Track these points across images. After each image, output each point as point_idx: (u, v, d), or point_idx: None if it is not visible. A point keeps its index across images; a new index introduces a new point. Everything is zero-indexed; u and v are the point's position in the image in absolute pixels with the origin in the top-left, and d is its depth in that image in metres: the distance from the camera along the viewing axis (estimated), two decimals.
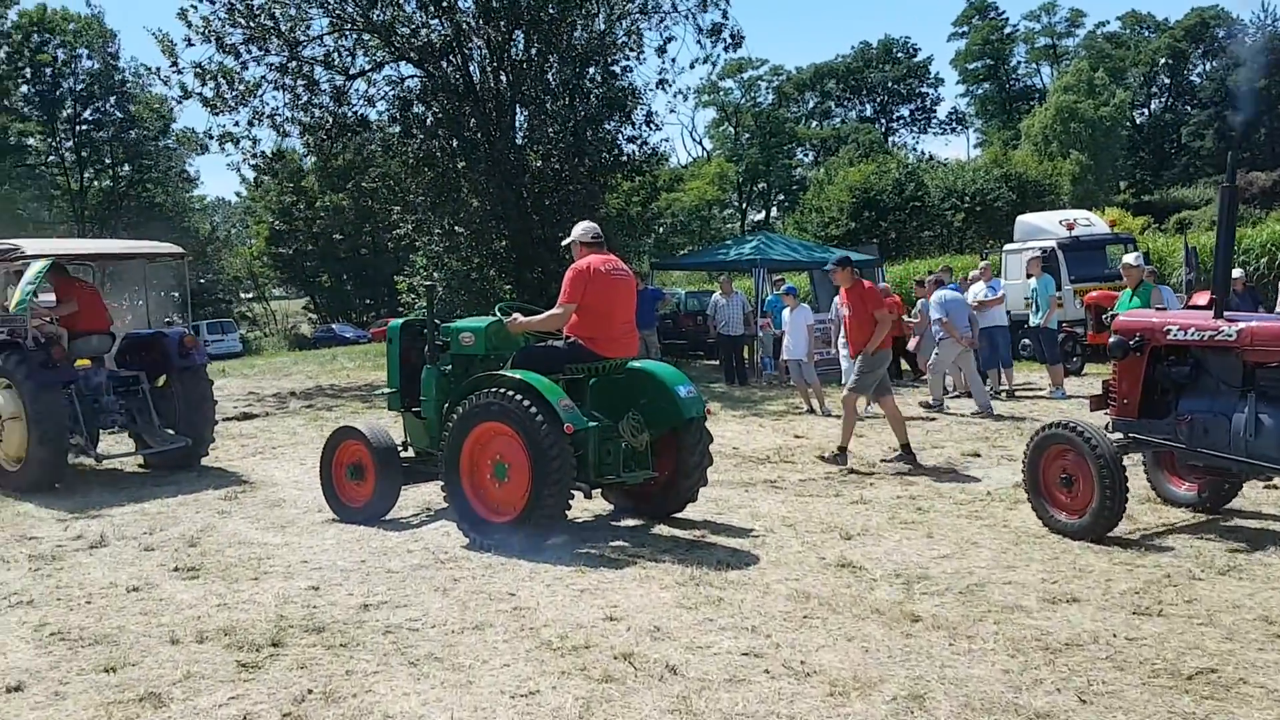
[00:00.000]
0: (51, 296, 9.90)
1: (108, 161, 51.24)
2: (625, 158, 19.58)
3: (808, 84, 76.90)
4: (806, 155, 75.53)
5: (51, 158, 50.47)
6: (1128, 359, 6.43)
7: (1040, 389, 14.24)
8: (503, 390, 6.06)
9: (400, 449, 7.37)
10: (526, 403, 5.91)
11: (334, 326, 51.81)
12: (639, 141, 20.03)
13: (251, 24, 17.55)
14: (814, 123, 77.76)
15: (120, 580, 5.86)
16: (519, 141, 19.24)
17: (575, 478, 6.04)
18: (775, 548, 6.29)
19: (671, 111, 66.04)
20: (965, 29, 77.37)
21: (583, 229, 6.81)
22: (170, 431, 9.97)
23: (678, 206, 55.29)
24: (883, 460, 9.21)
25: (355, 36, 18.83)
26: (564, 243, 7.06)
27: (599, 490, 6.79)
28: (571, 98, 19.06)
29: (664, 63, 20.34)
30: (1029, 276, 14.75)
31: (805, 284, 20.53)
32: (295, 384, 19.76)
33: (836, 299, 13.09)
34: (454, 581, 5.63)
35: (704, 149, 76.62)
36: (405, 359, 7.51)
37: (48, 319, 9.48)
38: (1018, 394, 13.82)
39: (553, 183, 19.16)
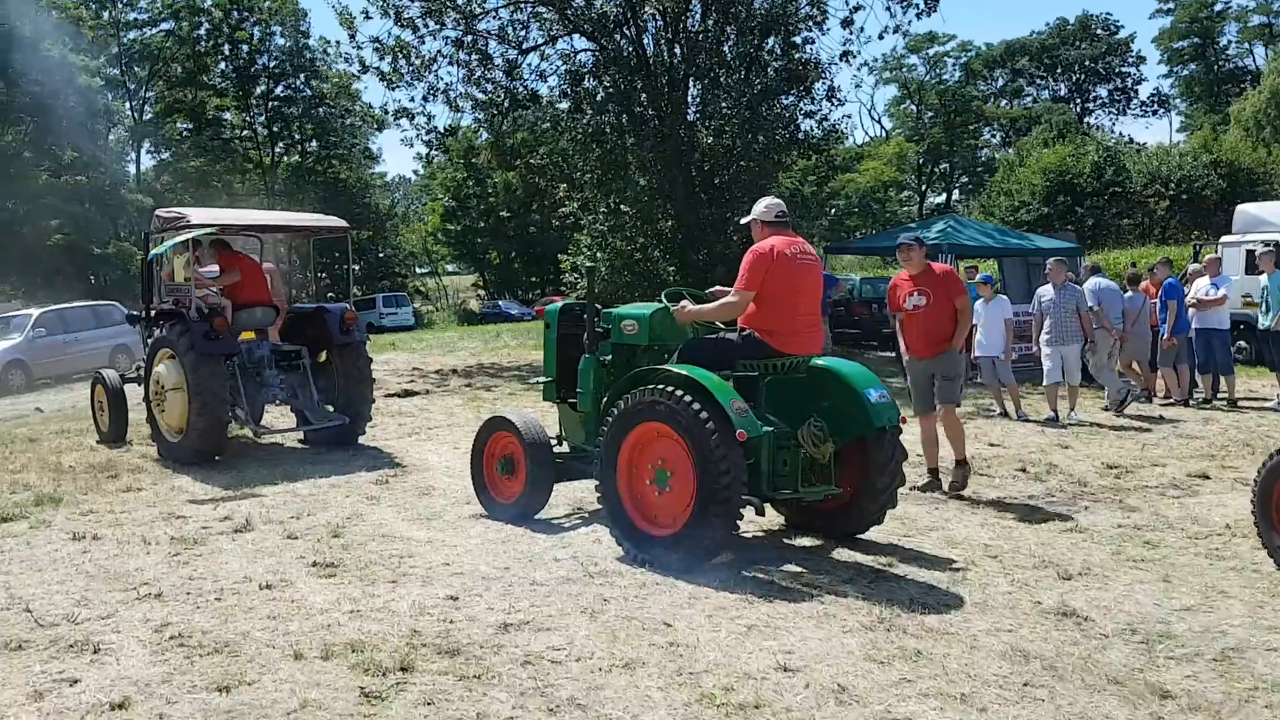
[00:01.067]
0: (214, 268, 9.90)
1: (296, 137, 53.66)
2: (802, 135, 18.48)
3: (998, 61, 72.71)
4: (993, 136, 71.63)
5: (245, 132, 53.28)
6: None
7: (1266, 399, 12.50)
8: (667, 387, 5.36)
9: (554, 443, 6.82)
10: (693, 403, 5.20)
11: (500, 303, 52.73)
12: (818, 117, 18.92)
13: None
14: (1003, 102, 73.56)
15: (255, 574, 5.49)
16: (690, 117, 18.47)
17: (746, 491, 5.25)
18: (979, 585, 5.33)
19: (857, 86, 63.42)
20: (1171, 5, 71.15)
21: (766, 205, 5.95)
22: (330, 408, 9.85)
23: (851, 188, 53.41)
24: (913, 488, 7.36)
25: (530, 9, 18.51)
26: (743, 221, 6.25)
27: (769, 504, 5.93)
28: (748, 70, 18.13)
29: (849, 33, 19.01)
30: (1259, 272, 12.93)
31: (994, 273, 18.94)
32: (458, 360, 19.75)
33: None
34: (603, 602, 4.96)
35: (883, 128, 73.88)
36: (563, 346, 6.93)
37: (212, 290, 9.48)
38: (1240, 404, 12.17)
39: (724, 160, 18.33)
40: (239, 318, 9.38)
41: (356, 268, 58.44)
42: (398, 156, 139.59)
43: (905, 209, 62.00)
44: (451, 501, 7.39)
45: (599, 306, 6.64)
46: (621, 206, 18.75)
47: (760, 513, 5.60)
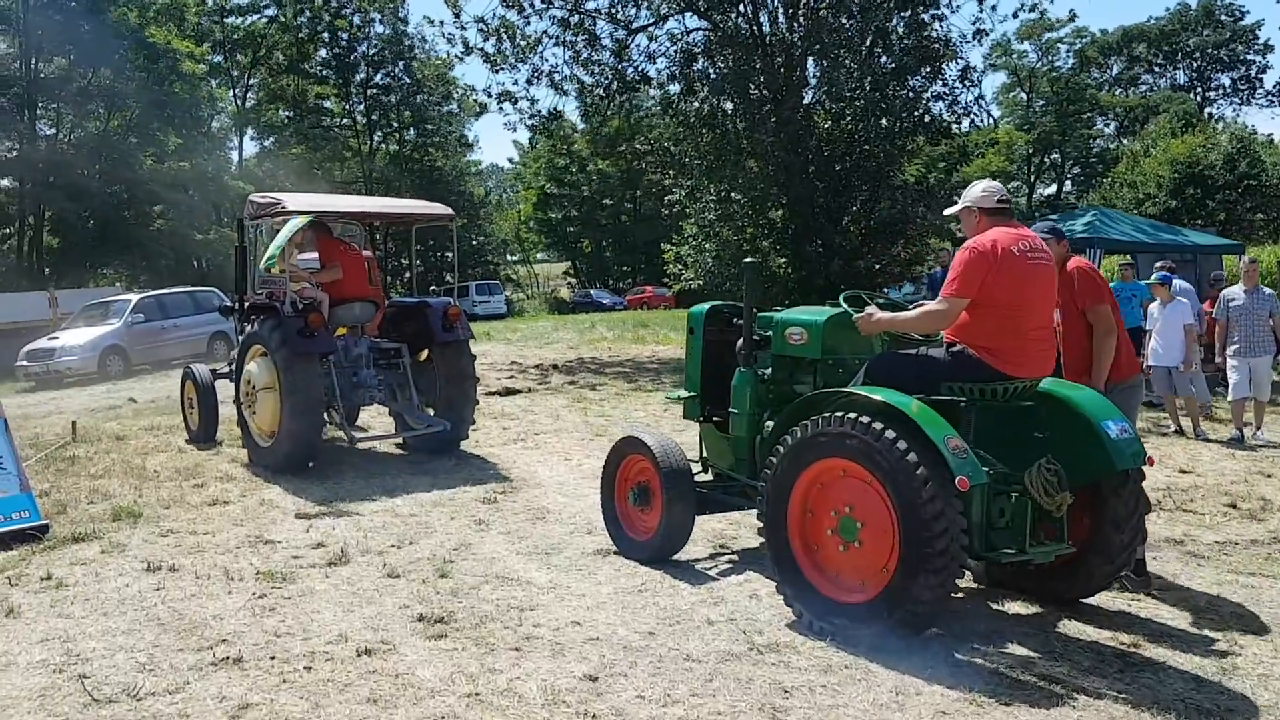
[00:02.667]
0: (314, 256, 9.10)
1: (394, 125, 53.70)
2: (930, 118, 17.02)
3: (1114, 47, 69.08)
4: (1106, 125, 68.08)
5: (344, 120, 53.50)
6: None
7: None
8: (859, 416, 4.24)
9: (694, 467, 5.76)
10: (897, 439, 4.09)
11: (592, 292, 52.08)
12: (948, 100, 17.45)
13: None
14: (1118, 90, 69.90)
15: (353, 630, 4.57)
16: (807, 99, 17.21)
17: (965, 551, 4.12)
18: (1256, 675, 4.12)
19: (991, 68, 60.30)
20: None
21: (984, 189, 4.68)
22: (430, 411, 9.01)
23: (957, 178, 51.09)
24: None
25: None
26: (948, 211, 5.03)
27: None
28: (871, 49, 16.79)
29: (981, 10, 17.49)
30: None
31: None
32: (556, 354, 18.91)
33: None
34: (783, 696, 3.89)
35: (991, 116, 70.83)
36: (709, 355, 5.88)
37: (309, 283, 8.72)
38: None
39: (844, 145, 17.04)
40: (336, 313, 8.66)
41: (451, 255, 58.69)
42: (492, 144, 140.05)
43: (1014, 200, 59.16)
44: (570, 529, 6.43)
45: (757, 310, 5.51)
46: (732, 194, 17.59)
47: (960, 575, 4.40)
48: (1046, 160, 66.44)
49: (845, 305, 5.17)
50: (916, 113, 16.59)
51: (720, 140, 17.09)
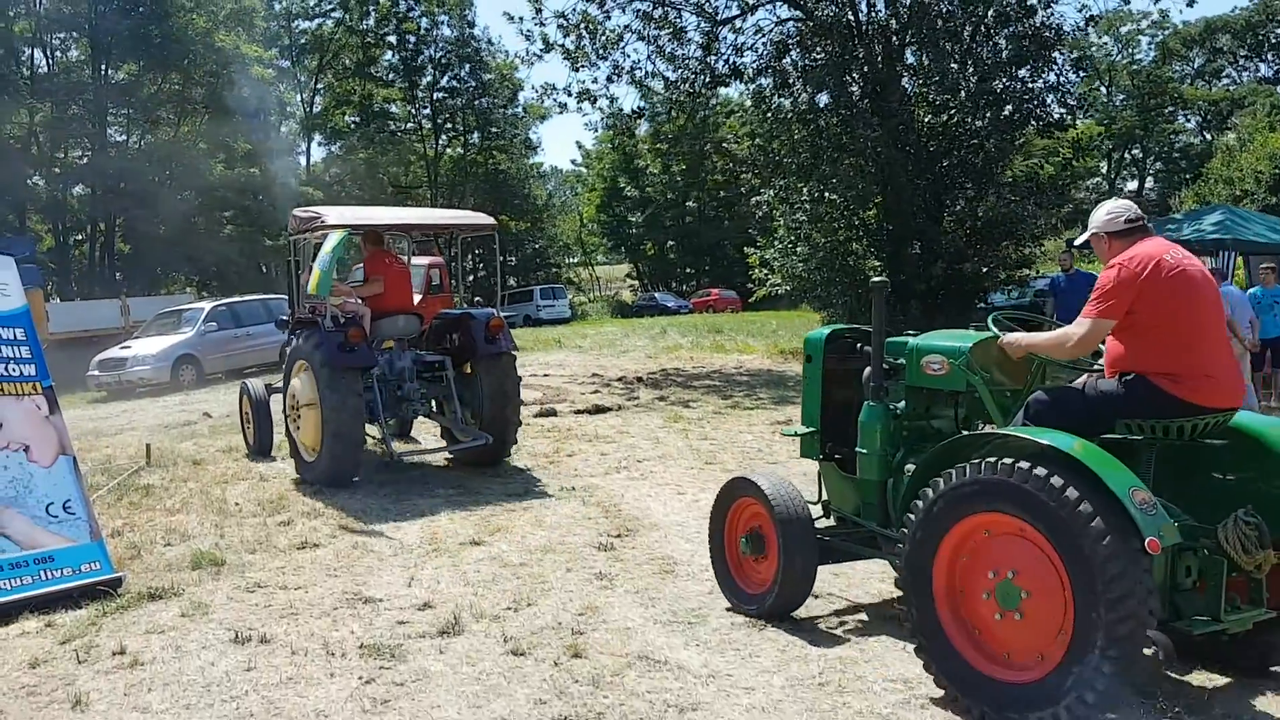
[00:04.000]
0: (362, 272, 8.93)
1: (460, 129, 53.47)
2: (1042, 110, 15.82)
3: (1196, 39, 66.39)
4: (1187, 120, 65.45)
5: (410, 124, 53.39)
6: None
7: None
8: (1019, 462, 3.56)
9: (814, 509, 5.16)
10: (1068, 489, 3.41)
11: (656, 295, 51.21)
12: (1060, 91, 16.23)
13: None
14: (1200, 83, 67.17)
15: None
16: (908, 91, 16.14)
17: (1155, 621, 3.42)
18: None
19: (1106, 57, 57.97)
20: None
21: (1108, 213, 4.05)
22: (474, 425, 8.84)
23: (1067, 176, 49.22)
24: None
25: None
26: (1077, 241, 4.41)
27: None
28: (973, 36, 15.67)
29: None
30: None
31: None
32: (635, 364, 18.05)
33: None
34: None
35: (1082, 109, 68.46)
36: (830, 386, 5.27)
37: (351, 297, 8.71)
38: None
39: (949, 141, 15.94)
40: (380, 326, 8.69)
41: (513, 260, 58.38)
42: (553, 146, 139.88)
43: (1093, 197, 57.10)
44: (707, 587, 5.52)
45: (892, 336, 4.94)
46: (827, 194, 16.58)
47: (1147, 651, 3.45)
48: (1128, 155, 64.08)
49: (993, 328, 4.41)
50: (1027, 104, 15.40)
51: (816, 136, 16.10)
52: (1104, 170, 62.82)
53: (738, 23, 17.47)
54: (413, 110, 52.68)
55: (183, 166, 39.65)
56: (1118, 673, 3.34)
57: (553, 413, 12.02)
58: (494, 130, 52.65)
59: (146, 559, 6.32)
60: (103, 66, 38.96)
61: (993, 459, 3.67)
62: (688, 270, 59.40)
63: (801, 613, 5.02)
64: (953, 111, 15.75)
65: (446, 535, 6.73)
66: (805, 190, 17.05)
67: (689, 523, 6.99)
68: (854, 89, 15.73)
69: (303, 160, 52.05)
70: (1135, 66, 63.08)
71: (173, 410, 14.62)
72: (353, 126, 51.13)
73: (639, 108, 18.38)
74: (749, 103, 17.55)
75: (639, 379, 15.71)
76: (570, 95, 17.19)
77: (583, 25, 16.56)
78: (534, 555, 6.24)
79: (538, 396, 13.60)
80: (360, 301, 8.64)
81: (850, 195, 16.28)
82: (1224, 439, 3.98)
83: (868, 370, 4.88)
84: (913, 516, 3.95)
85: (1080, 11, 17.55)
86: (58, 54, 41.02)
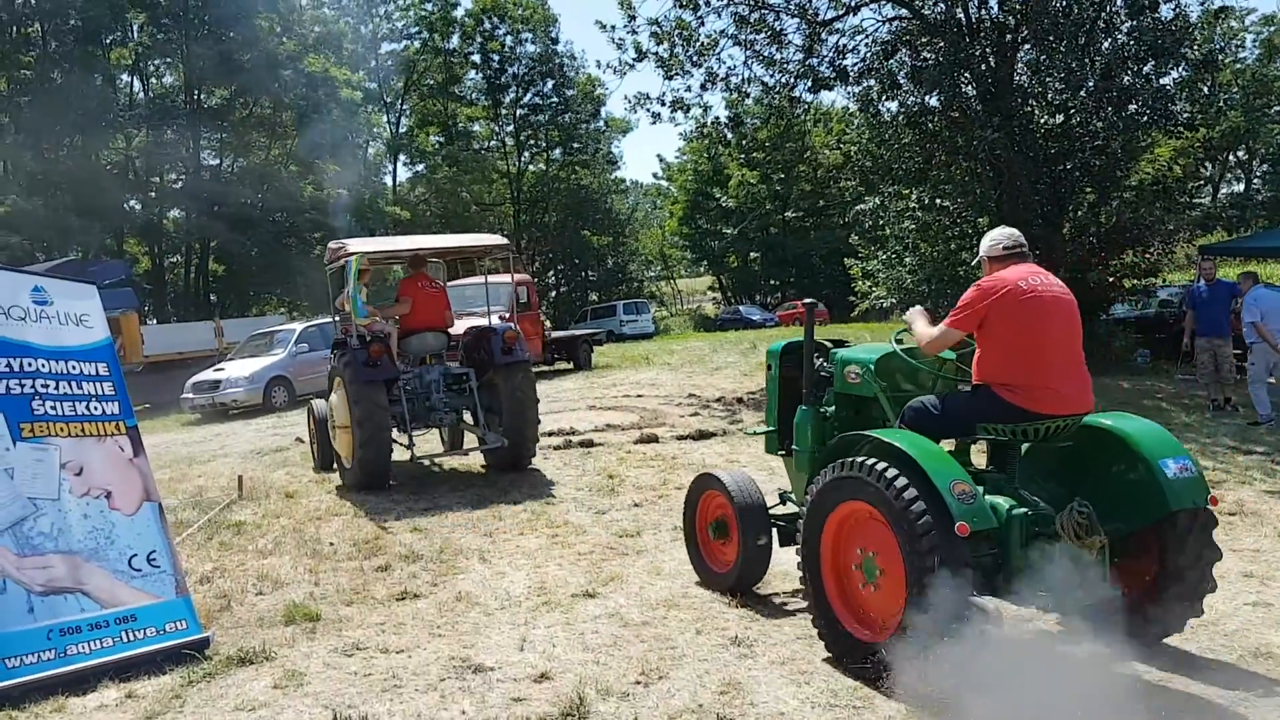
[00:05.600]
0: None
1: (542, 145, 53.44)
2: (1172, 109, 14.62)
3: None
4: None
5: (493, 142, 53.55)
6: None
7: None
8: (869, 460, 4.33)
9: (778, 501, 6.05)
10: (897, 479, 4.15)
11: (740, 308, 50.25)
12: (1188, 89, 15.02)
13: None
14: None
15: None
16: (1026, 89, 15.09)
17: (975, 594, 4.04)
18: None
19: (1239, 50, 55.46)
20: None
21: (991, 240, 4.67)
22: (500, 431, 9.54)
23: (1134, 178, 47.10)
24: None
25: None
26: (974, 262, 5.02)
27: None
28: (1093, 30, 14.58)
29: None
30: None
31: None
32: (730, 383, 17.27)
33: None
34: None
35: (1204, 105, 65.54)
36: (785, 391, 5.97)
37: (378, 317, 9.54)
38: None
39: (1070, 143, 14.86)
40: (409, 343, 9.62)
41: (594, 275, 58.17)
42: (634, 160, 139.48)
43: (1198, 201, 54.42)
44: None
45: (829, 344, 5.75)
46: (938, 201, 15.61)
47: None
48: (1234, 157, 61.02)
49: (894, 345, 5.09)
50: (1158, 104, 14.23)
51: (927, 140, 15.16)
52: (1208, 171, 59.83)
53: (839, 24, 16.68)
54: (495, 128, 52.81)
55: (274, 189, 40.24)
56: (939, 634, 3.86)
57: (654, 439, 11.34)
58: (576, 145, 52.45)
59: (237, 611, 5.83)
60: (196, 92, 39.80)
61: (859, 457, 4.39)
62: (772, 282, 58.34)
63: None
64: (1073, 111, 14.66)
65: (556, 585, 6.10)
66: (915, 197, 16.10)
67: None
68: (967, 89, 14.75)
69: (389, 181, 52.56)
70: (1239, 64, 60.04)
71: (265, 434, 14.37)
72: (437, 146, 51.43)
73: (739, 115, 17.66)
74: (853, 106, 16.65)
75: (739, 400, 14.95)
76: (664, 104, 16.57)
77: (676, 31, 15.93)
78: (656, 612, 5.55)
79: (634, 420, 12.96)
80: (389, 321, 9.55)
81: (964, 201, 15.29)
82: (1086, 438, 4.57)
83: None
84: (808, 497, 4.67)
85: (1203, 4, 16.00)
86: (152, 80, 42.08)
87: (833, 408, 5.48)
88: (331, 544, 7.28)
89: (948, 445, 4.77)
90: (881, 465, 4.22)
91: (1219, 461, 9.17)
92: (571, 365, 22.35)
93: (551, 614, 5.56)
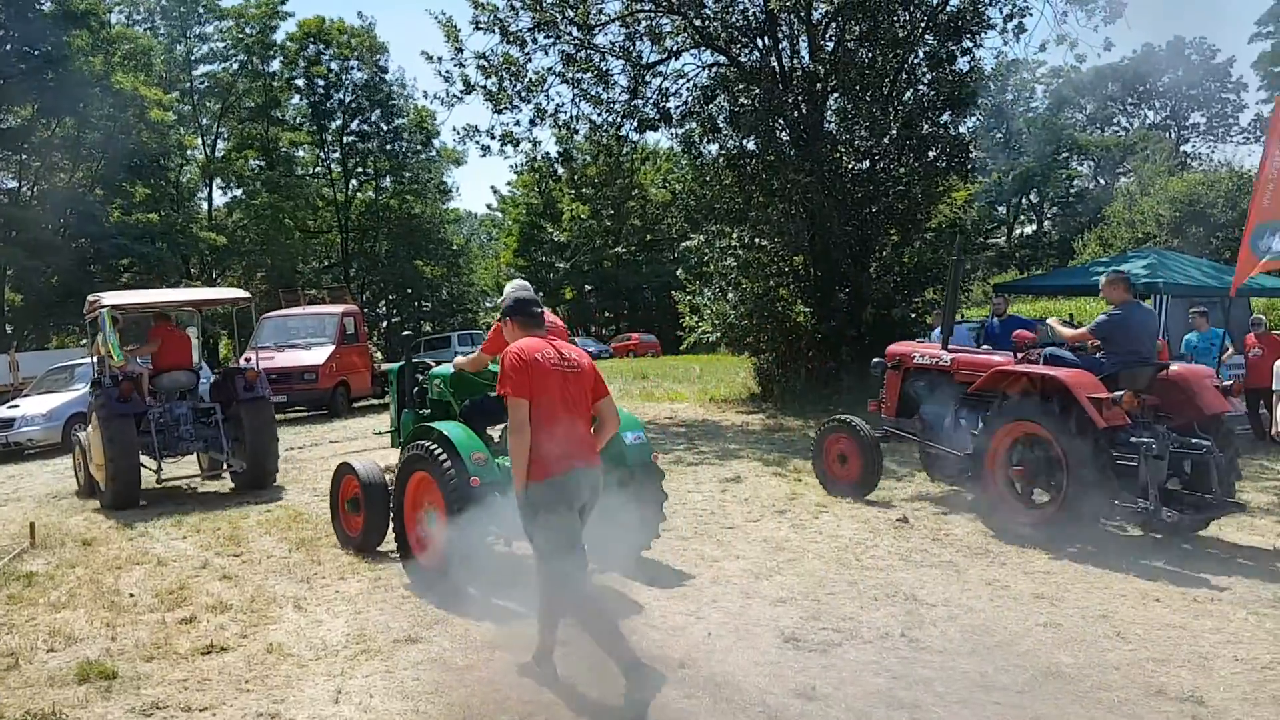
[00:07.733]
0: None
1: (370, 173, 52.34)
2: (965, 156, 15.83)
3: (1087, 88, 69.24)
4: (1080, 165, 68.00)
5: (318, 168, 52.05)
6: None
7: None
8: (423, 440, 6.49)
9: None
10: (438, 452, 6.28)
11: (576, 339, 50.54)
12: (977, 138, 16.31)
13: (540, 7, 15.31)
14: (1094, 129, 69.99)
15: None
16: (834, 134, 16.01)
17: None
18: None
19: (1030, 100, 60.06)
20: (1272, 29, 66.92)
21: (510, 288, 5.99)
22: (243, 459, 11.06)
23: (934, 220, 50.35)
24: None
25: (654, 19, 16.23)
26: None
27: None
28: (895, 82, 15.65)
29: (1005, 40, 16.50)
30: None
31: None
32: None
33: None
34: None
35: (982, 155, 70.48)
36: (403, 402, 7.83)
37: (133, 358, 11.03)
38: None
39: (874, 186, 15.85)
40: (161, 381, 11.08)
41: (428, 305, 57.29)
42: (467, 191, 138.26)
43: (993, 242, 58.62)
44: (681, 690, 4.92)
45: (429, 363, 7.80)
46: (758, 240, 16.29)
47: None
48: (1025, 200, 66.13)
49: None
50: (956, 153, 15.39)
51: (745, 181, 15.83)
52: (1002, 213, 64.66)
53: (661, 67, 17.22)
54: (321, 154, 51.36)
55: (78, 214, 37.72)
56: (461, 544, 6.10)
57: None
58: (407, 175, 51.65)
59: (25, 670, 5.45)
60: None
61: (422, 440, 6.43)
62: (607, 314, 59.04)
63: None
64: (878, 157, 15.66)
65: (377, 630, 5.97)
66: (736, 235, 16.76)
67: (655, 605, 6.36)
68: (782, 134, 15.52)
69: (204, 206, 50.19)
70: (1031, 114, 65.33)
71: (63, 476, 13.43)
72: (256, 170, 49.51)
73: (568, 150, 17.92)
74: (677, 147, 17.19)
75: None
76: (493, 138, 16.65)
77: (504, 68, 16.06)
78: (481, 654, 5.54)
79: None
80: (147, 362, 11.11)
81: (781, 241, 16.03)
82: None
83: (414, 389, 7.67)
84: (397, 468, 6.74)
85: (997, 58, 17.44)
86: None
87: (428, 410, 7.43)
88: (132, 595, 6.90)
89: (496, 432, 6.91)
90: (433, 445, 6.30)
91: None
92: None
93: (370, 662, 5.45)
